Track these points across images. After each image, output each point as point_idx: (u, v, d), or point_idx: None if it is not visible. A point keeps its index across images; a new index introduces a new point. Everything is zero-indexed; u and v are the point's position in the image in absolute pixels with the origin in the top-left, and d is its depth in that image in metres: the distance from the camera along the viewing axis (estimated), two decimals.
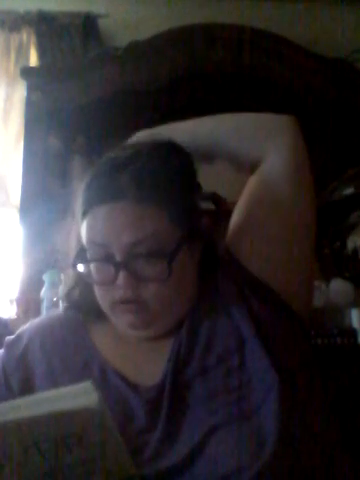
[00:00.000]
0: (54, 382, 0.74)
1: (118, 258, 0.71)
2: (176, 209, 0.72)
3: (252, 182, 0.82)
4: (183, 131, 0.85)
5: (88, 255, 0.74)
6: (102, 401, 0.55)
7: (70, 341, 0.80)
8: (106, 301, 0.75)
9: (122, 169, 0.73)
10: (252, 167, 0.83)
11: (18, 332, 0.84)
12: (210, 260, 0.79)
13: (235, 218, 0.82)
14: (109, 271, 0.71)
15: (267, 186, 0.80)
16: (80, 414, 0.53)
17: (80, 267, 0.76)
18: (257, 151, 0.81)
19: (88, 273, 0.75)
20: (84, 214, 0.74)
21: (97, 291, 0.76)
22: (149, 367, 0.74)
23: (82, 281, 0.81)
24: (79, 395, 0.55)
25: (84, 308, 0.82)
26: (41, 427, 0.53)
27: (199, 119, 0.87)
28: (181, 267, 0.73)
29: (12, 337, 0.83)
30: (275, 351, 0.69)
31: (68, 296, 0.83)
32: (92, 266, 0.74)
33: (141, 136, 0.85)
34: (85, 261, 0.75)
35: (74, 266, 0.76)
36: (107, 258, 0.72)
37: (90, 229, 0.73)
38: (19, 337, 0.82)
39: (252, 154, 0.82)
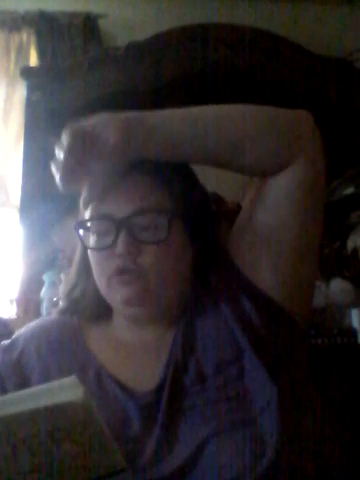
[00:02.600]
0: None
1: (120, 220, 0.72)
2: (181, 191, 0.75)
3: (266, 188, 0.75)
4: (196, 126, 0.72)
5: (89, 224, 0.76)
6: (88, 395, 0.55)
7: (66, 345, 0.80)
8: (104, 274, 0.74)
9: None
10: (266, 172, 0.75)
11: (14, 336, 0.83)
12: (206, 253, 0.79)
13: (241, 222, 0.80)
14: (109, 237, 0.73)
15: (285, 194, 0.74)
16: (66, 408, 0.54)
17: (81, 233, 0.77)
18: (282, 157, 0.72)
19: (88, 241, 0.76)
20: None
21: (95, 266, 0.76)
22: (145, 372, 0.74)
23: (82, 280, 0.82)
24: (65, 390, 0.56)
25: (83, 308, 0.82)
26: (28, 423, 0.53)
27: (214, 111, 0.74)
28: (179, 240, 0.75)
29: (8, 341, 0.83)
30: (273, 363, 0.69)
31: (68, 296, 0.83)
32: (92, 237, 0.75)
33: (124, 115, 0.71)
34: (86, 227, 0.76)
35: (76, 230, 0.76)
36: (109, 223, 0.73)
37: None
38: (14, 341, 0.82)
39: (276, 161, 0.72)
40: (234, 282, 0.76)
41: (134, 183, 0.74)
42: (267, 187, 0.75)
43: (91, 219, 0.75)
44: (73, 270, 0.84)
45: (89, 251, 0.77)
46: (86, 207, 0.76)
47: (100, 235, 0.74)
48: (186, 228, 0.76)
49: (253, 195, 0.78)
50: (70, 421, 0.54)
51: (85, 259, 0.80)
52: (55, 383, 0.58)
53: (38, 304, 1.68)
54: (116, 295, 0.74)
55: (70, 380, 0.57)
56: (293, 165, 0.72)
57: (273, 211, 0.75)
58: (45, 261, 1.76)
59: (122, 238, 0.71)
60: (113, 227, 0.72)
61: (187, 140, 0.71)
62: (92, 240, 0.75)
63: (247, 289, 0.75)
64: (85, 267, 0.80)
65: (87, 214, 0.76)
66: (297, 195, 0.74)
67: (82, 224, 0.77)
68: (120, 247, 0.71)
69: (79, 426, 0.54)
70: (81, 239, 0.77)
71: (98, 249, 0.75)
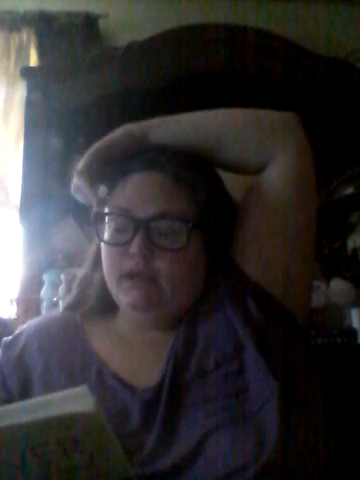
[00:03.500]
0: (51, 384, 0.74)
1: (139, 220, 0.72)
2: (205, 196, 0.74)
3: (256, 185, 0.78)
4: (187, 125, 0.79)
5: (107, 218, 0.75)
6: (98, 405, 0.55)
7: (68, 342, 0.80)
8: (115, 272, 0.74)
9: (163, 151, 0.76)
10: (254, 170, 0.79)
11: (16, 333, 0.83)
12: (219, 261, 0.78)
13: (237, 220, 0.80)
14: (125, 235, 0.72)
15: (272, 190, 0.76)
16: (76, 418, 0.53)
17: (98, 229, 0.76)
18: (264, 153, 0.76)
19: (103, 234, 0.75)
20: (115, 180, 0.76)
21: (107, 261, 0.75)
22: (147, 369, 0.74)
23: (92, 272, 0.81)
24: (75, 399, 0.55)
25: (88, 301, 0.82)
26: (38, 432, 0.53)
27: (203, 113, 0.80)
28: (196, 250, 0.74)
29: (9, 338, 0.83)
30: (274, 358, 0.69)
31: (77, 287, 0.83)
32: (107, 231, 0.75)
33: (128, 129, 0.79)
34: (104, 220, 0.75)
35: (93, 221, 0.75)
36: (127, 220, 0.72)
37: (118, 193, 0.75)
38: (16, 338, 0.82)
39: (258, 157, 0.77)
40: (235, 279, 0.76)
41: (159, 184, 0.73)
42: (256, 185, 0.78)
43: (110, 213, 0.75)
44: (86, 263, 0.84)
45: (102, 245, 0.76)
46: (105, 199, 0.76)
47: (117, 230, 0.74)
48: (204, 238, 0.75)
49: (249, 195, 0.80)
50: (80, 431, 0.54)
51: (98, 253, 0.79)
52: (66, 392, 0.58)
53: (38, 304, 1.68)
54: (124, 297, 0.74)
55: (81, 390, 0.57)
56: (275, 161, 0.76)
57: (264, 207, 0.77)
58: (45, 261, 1.76)
59: (138, 239, 0.71)
60: (131, 225, 0.72)
61: (181, 138, 0.77)
62: (107, 234, 0.75)
63: (248, 285, 0.75)
64: (97, 260, 0.80)
65: (107, 207, 0.76)
66: (283, 190, 0.76)
67: (100, 216, 0.76)
68: (135, 248, 0.71)
69: (89, 436, 0.54)
70: (97, 231, 0.76)
71: (112, 244, 0.74)
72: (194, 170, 0.75)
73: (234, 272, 0.77)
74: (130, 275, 0.72)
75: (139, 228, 0.71)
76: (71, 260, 1.73)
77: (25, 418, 0.53)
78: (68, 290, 1.62)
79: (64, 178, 1.92)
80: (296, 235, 0.77)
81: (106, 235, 0.75)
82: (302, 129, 0.79)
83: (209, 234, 0.75)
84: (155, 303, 0.73)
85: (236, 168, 0.80)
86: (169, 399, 0.69)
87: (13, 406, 0.59)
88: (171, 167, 0.73)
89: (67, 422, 0.53)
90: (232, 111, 0.79)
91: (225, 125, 0.78)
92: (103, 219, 0.75)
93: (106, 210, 0.75)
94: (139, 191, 0.73)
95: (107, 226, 0.75)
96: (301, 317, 0.77)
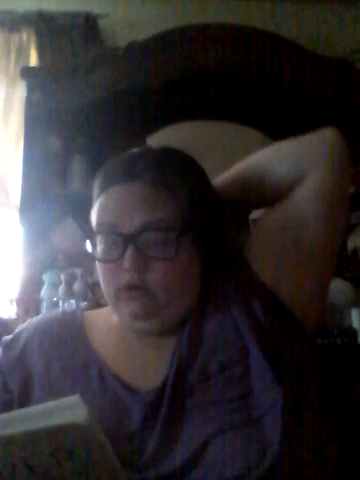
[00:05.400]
0: (52, 384, 0.74)
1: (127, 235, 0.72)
2: (188, 197, 0.74)
3: (290, 201, 0.78)
4: (240, 166, 0.83)
5: (97, 237, 0.75)
6: (91, 415, 0.54)
7: (69, 343, 0.79)
8: (111, 288, 0.74)
9: (138, 157, 0.76)
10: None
11: (16, 331, 0.83)
12: (216, 260, 0.78)
13: (259, 229, 0.81)
14: (116, 249, 0.72)
15: (298, 207, 0.76)
16: (68, 429, 0.53)
17: (88, 247, 0.76)
18: (298, 172, 0.76)
19: (95, 253, 0.76)
20: (97, 196, 0.76)
21: (103, 276, 0.75)
22: (149, 370, 0.73)
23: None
24: (68, 409, 0.55)
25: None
26: (30, 443, 0.52)
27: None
28: (187, 255, 0.74)
29: (9, 337, 0.82)
30: (279, 364, 0.68)
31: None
32: (99, 247, 0.75)
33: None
34: (94, 239, 0.75)
35: (84, 241, 0.77)
36: (116, 236, 0.73)
37: (102, 209, 0.75)
38: (17, 336, 0.81)
39: (293, 176, 0.77)
40: (246, 284, 0.76)
41: (140, 194, 0.73)
42: (290, 200, 0.77)
43: (97, 232, 0.75)
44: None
45: (96, 261, 0.77)
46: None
47: (108, 244, 0.74)
48: (195, 241, 0.75)
49: (276, 209, 0.80)
50: (73, 442, 0.53)
51: None
52: (58, 402, 0.57)
53: (38, 304, 1.68)
54: (124, 308, 0.74)
55: (73, 399, 0.56)
56: (309, 175, 0.76)
57: (295, 221, 0.76)
58: (45, 261, 1.76)
59: (129, 254, 0.71)
60: (120, 240, 0.72)
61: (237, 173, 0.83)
62: (100, 249, 0.75)
63: (258, 291, 0.74)
64: None
65: (93, 223, 0.76)
66: (310, 208, 0.75)
67: (89, 235, 0.76)
68: (127, 263, 0.71)
69: (82, 446, 0.53)
70: (90, 251, 0.76)
71: (105, 261, 0.74)
72: (174, 173, 0.75)
73: (243, 272, 0.76)
74: (126, 288, 0.72)
75: (128, 243, 0.71)
76: (71, 260, 1.73)
77: (17, 429, 0.52)
78: (68, 290, 1.62)
79: (64, 178, 1.93)
80: (318, 252, 0.76)
81: (99, 250, 0.75)
82: (341, 143, 0.78)
83: (200, 235, 0.75)
84: (154, 312, 0.73)
85: (272, 194, 0.80)
86: (171, 402, 0.68)
87: (4, 416, 0.58)
88: (149, 174, 0.73)
89: (59, 433, 0.53)
90: (282, 143, 0.82)
91: (264, 154, 0.82)
92: (94, 236, 0.76)
93: (94, 227, 0.76)
94: (121, 204, 0.73)
95: (98, 242, 0.75)
96: (311, 327, 0.77)
